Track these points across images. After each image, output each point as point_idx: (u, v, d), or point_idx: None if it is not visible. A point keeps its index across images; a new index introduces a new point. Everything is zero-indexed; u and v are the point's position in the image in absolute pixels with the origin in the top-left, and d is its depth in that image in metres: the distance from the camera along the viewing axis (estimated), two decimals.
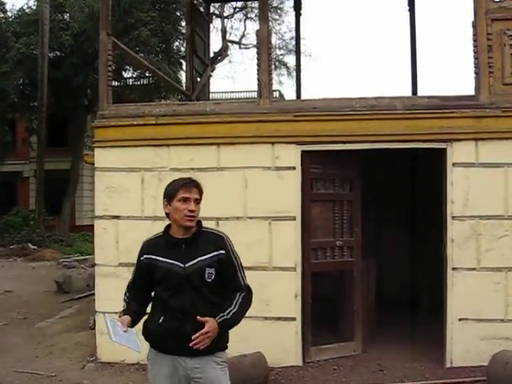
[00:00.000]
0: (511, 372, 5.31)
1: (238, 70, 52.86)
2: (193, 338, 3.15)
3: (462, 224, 6.51)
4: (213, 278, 3.32)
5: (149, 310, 3.50)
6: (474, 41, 6.54)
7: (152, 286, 3.44)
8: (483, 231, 6.48)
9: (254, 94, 32.03)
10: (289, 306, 6.49)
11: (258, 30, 6.93)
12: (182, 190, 3.33)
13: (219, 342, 3.36)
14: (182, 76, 25.89)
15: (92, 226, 22.85)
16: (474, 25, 6.55)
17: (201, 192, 3.41)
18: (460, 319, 6.42)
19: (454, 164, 6.54)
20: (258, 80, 6.84)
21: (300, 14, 10.93)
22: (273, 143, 6.75)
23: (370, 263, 7.71)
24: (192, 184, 3.38)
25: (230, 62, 29.06)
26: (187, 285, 3.29)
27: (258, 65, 6.81)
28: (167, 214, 3.42)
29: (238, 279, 3.43)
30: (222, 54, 25.66)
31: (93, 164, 9.62)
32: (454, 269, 6.47)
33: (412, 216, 9.14)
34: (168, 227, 3.45)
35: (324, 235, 6.91)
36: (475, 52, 6.53)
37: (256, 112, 6.81)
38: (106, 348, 6.93)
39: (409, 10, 10.30)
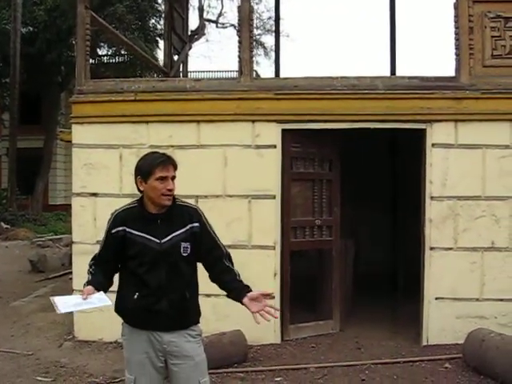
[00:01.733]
0: (486, 349, 5.39)
1: (214, 50, 52.31)
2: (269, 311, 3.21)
3: (440, 204, 6.57)
4: (188, 251, 3.31)
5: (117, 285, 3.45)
6: (456, 22, 6.55)
7: (120, 259, 3.37)
8: (461, 211, 6.55)
9: (231, 74, 32.01)
10: (268, 284, 6.49)
11: (239, 7, 6.85)
12: (159, 168, 3.25)
13: (192, 316, 3.40)
14: (159, 54, 25.62)
15: (65, 205, 22.64)
16: (456, 6, 6.55)
17: (176, 168, 3.36)
18: (436, 298, 6.50)
19: (433, 145, 6.58)
20: (239, 57, 6.77)
21: None
22: (253, 121, 6.71)
23: (349, 243, 7.75)
24: (168, 161, 3.32)
25: (207, 40, 28.86)
26: (163, 260, 3.26)
27: (240, 42, 6.74)
28: (141, 191, 3.33)
29: (219, 247, 3.44)
30: (199, 32, 25.41)
31: (69, 142, 9.46)
32: (431, 248, 6.54)
33: (391, 196, 9.21)
34: (141, 200, 3.37)
35: (303, 214, 6.92)
36: (456, 34, 6.55)
37: (237, 90, 6.75)
38: (84, 326, 6.90)
39: None
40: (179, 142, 6.79)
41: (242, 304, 3.28)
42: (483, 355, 5.41)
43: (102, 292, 3.25)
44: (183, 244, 3.29)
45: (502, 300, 6.45)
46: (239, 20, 6.79)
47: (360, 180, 8.76)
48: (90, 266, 3.44)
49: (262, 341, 6.53)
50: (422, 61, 28.46)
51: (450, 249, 6.54)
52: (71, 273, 11.03)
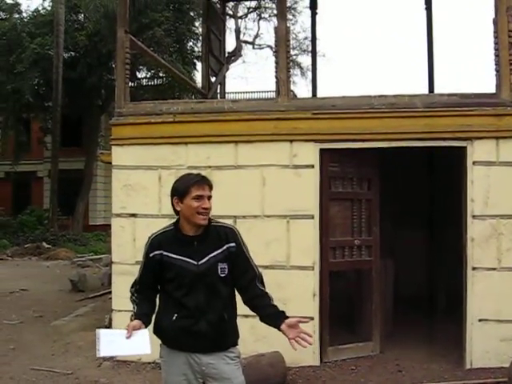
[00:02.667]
0: None
1: (251, 71, 52.82)
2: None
3: (483, 223, 6.43)
4: (226, 272, 3.32)
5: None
6: (495, 38, 6.46)
7: (160, 283, 3.40)
8: (504, 230, 6.40)
9: (268, 95, 32.19)
10: (307, 305, 6.45)
11: (276, 28, 6.89)
12: (195, 187, 3.30)
13: (231, 337, 3.39)
14: (196, 76, 25.98)
15: (105, 225, 22.97)
16: (495, 22, 6.47)
17: (211, 188, 3.39)
18: (480, 320, 6.34)
19: (474, 162, 6.46)
20: (276, 78, 6.79)
21: (316, 13, 10.91)
22: (291, 141, 6.71)
23: (388, 263, 7.65)
24: (204, 181, 3.35)
25: (243, 62, 29.10)
26: (201, 282, 3.27)
27: (276, 62, 6.77)
28: (177, 212, 3.37)
29: (252, 269, 3.42)
30: (236, 54, 25.67)
31: (109, 163, 9.62)
32: (474, 268, 6.40)
33: (430, 215, 9.07)
34: (177, 223, 3.40)
35: (342, 234, 6.86)
36: (496, 49, 6.46)
37: (274, 110, 6.77)
38: None
39: (426, 9, 10.24)
40: (217, 162, 6.83)
41: (280, 330, 3.25)
42: None
43: (146, 331, 3.28)
44: (220, 265, 3.30)
45: None
46: (276, 41, 6.83)
47: (399, 199, 8.65)
48: (133, 294, 3.46)
49: (301, 363, 6.45)
50: (462, 78, 28.25)
51: (494, 269, 6.39)
52: (111, 292, 11.23)
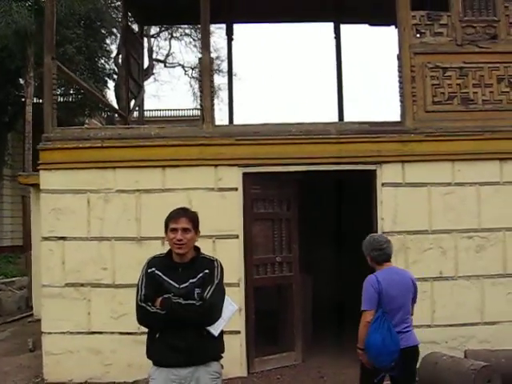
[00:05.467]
0: (440, 371, 5.89)
1: (163, 89, 52.85)
2: None
3: (392, 239, 6.99)
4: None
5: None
6: (399, 72, 7.19)
7: None
8: (410, 245, 7.09)
9: (180, 113, 32.44)
10: (233, 319, 6.77)
11: (200, 58, 7.31)
12: (171, 221, 3.73)
13: (211, 352, 3.72)
14: (107, 94, 25.88)
15: (14, 246, 22.18)
16: (399, 57, 7.21)
17: (191, 220, 3.76)
18: None
19: (383, 184, 7.13)
20: (201, 105, 7.23)
21: (232, 39, 11.36)
22: (216, 165, 7.12)
23: (307, 278, 8.17)
24: (179, 214, 3.77)
25: (155, 80, 29.19)
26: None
27: (201, 91, 7.20)
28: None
29: (205, 291, 3.71)
30: (149, 72, 25.80)
31: (28, 185, 9.66)
32: None
33: (344, 232, 9.68)
34: (169, 251, 3.79)
35: (264, 252, 7.32)
36: (400, 82, 7.19)
37: (199, 136, 7.18)
38: (53, 369, 7.03)
39: (335, 38, 10.96)
40: (145, 186, 7.13)
41: None
42: (437, 376, 5.90)
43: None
44: (196, 290, 3.66)
45: (451, 325, 6.98)
46: (200, 71, 7.27)
47: (315, 218, 9.22)
48: (147, 305, 3.66)
49: (230, 374, 6.73)
50: (371, 107, 29.70)
51: None
52: (29, 316, 11.10)
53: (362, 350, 4.79)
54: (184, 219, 3.74)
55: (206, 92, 7.15)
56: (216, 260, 3.88)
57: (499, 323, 7.06)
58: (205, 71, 7.19)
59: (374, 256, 4.98)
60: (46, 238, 7.25)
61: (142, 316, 3.69)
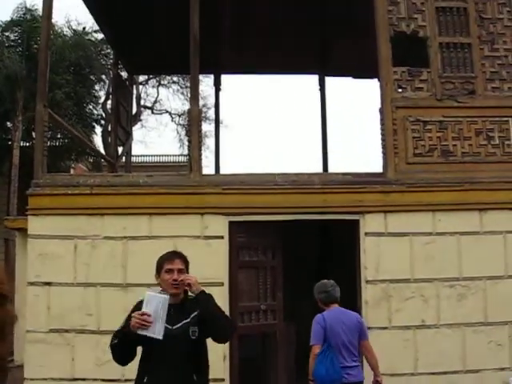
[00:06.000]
0: None
1: (150, 135, 53.26)
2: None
3: (375, 287, 7.20)
4: (197, 334, 3.77)
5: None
6: (382, 125, 7.44)
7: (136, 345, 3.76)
8: (393, 293, 7.19)
9: (167, 159, 32.65)
10: (218, 367, 6.82)
11: (189, 109, 7.52)
12: (166, 262, 3.88)
13: None
14: (95, 139, 26.10)
15: None
16: (381, 111, 7.47)
17: (185, 262, 3.94)
18: None
19: (366, 233, 7.28)
20: (189, 155, 7.40)
21: (219, 90, 11.66)
22: (202, 214, 7.25)
23: (290, 325, 8.23)
24: (174, 256, 3.94)
25: (142, 126, 29.48)
26: (173, 345, 3.68)
27: (189, 141, 7.38)
28: (159, 285, 3.89)
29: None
30: (136, 119, 26.11)
31: (14, 229, 9.71)
32: (368, 328, 7.06)
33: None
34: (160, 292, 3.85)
35: (249, 300, 7.40)
36: (382, 135, 7.43)
37: (186, 185, 7.32)
38: None
39: (320, 89, 11.30)
40: (132, 233, 7.22)
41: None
42: None
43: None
44: (192, 328, 3.76)
45: (433, 373, 7.05)
46: (189, 121, 7.44)
47: (300, 265, 9.33)
48: (113, 339, 3.76)
49: None
50: (354, 158, 30.16)
51: (385, 328, 7.13)
52: (10, 361, 10.94)
53: (311, 381, 5.38)
54: (179, 260, 3.91)
55: (195, 142, 7.33)
56: None
57: (481, 371, 7.12)
58: (193, 122, 7.39)
59: (321, 298, 5.66)
60: (31, 283, 7.27)
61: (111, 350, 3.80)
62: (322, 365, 5.23)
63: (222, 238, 7.23)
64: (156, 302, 3.68)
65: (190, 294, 3.91)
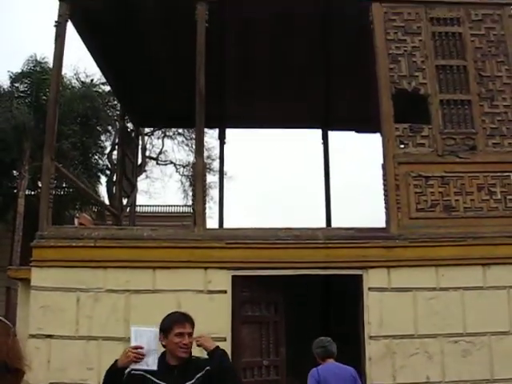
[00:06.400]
0: None
1: (154, 185, 53.51)
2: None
3: (378, 343, 7.14)
4: None
5: None
6: (384, 180, 7.52)
7: None
8: (397, 349, 7.13)
9: (170, 209, 32.76)
10: None
11: (193, 164, 7.62)
12: (176, 325, 3.85)
13: None
14: (99, 189, 26.27)
15: None
16: (384, 167, 7.56)
17: (193, 325, 3.93)
18: None
19: (369, 289, 7.27)
20: (193, 209, 7.46)
21: (224, 143, 11.82)
22: (205, 268, 7.26)
23: (294, 381, 8.11)
24: (185, 319, 3.92)
25: (146, 177, 29.68)
26: None
27: (193, 195, 7.46)
28: (164, 345, 3.85)
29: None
30: (141, 169, 26.35)
31: (16, 279, 9.69)
32: None
33: (330, 335, 9.70)
34: (164, 353, 3.86)
35: (252, 355, 7.34)
36: (385, 190, 7.49)
37: (190, 238, 7.35)
38: None
39: (322, 143, 11.45)
40: (135, 286, 7.22)
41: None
42: None
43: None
44: None
45: None
46: (193, 175, 7.55)
47: (304, 320, 9.26)
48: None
49: None
50: (358, 211, 30.25)
51: None
52: None
53: None
54: (188, 324, 3.91)
55: (199, 197, 7.41)
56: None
57: None
58: (198, 176, 7.48)
59: (318, 353, 6.11)
60: (33, 336, 7.23)
61: None
62: None
63: (225, 292, 7.22)
64: (147, 336, 3.77)
65: (193, 355, 3.92)
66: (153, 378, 3.74)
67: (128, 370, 3.77)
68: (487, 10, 8.19)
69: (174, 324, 3.87)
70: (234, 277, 7.25)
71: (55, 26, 7.98)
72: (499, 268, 7.42)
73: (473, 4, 8.19)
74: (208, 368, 3.85)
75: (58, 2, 8.06)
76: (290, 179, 54.77)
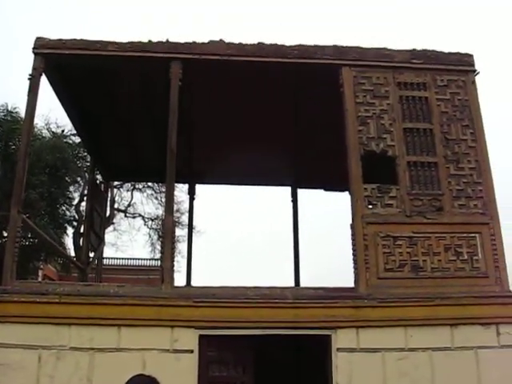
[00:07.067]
0: None
1: (121, 238, 53.07)
2: None
3: None
4: None
5: None
6: (353, 240, 7.57)
7: None
8: None
9: (138, 262, 32.46)
10: None
11: (163, 221, 7.58)
12: None
13: None
14: (66, 240, 25.88)
15: None
16: (353, 226, 7.62)
17: None
18: None
19: (338, 349, 7.20)
20: (161, 266, 7.38)
21: (194, 199, 11.82)
22: (172, 326, 7.12)
23: None
24: None
25: (114, 229, 29.39)
26: None
27: (162, 252, 7.40)
28: None
29: None
30: (109, 221, 26.11)
31: None
32: None
33: None
34: None
35: None
36: (354, 250, 7.54)
37: (157, 296, 7.23)
38: None
39: (292, 201, 11.53)
40: (99, 344, 7.03)
41: None
42: None
43: None
44: None
45: None
46: (163, 233, 7.49)
47: (274, 381, 9.12)
48: None
49: None
50: (326, 271, 30.30)
51: None
52: None
53: None
54: None
55: (167, 254, 7.35)
56: None
57: None
58: (167, 233, 7.44)
59: None
60: None
61: None
62: None
63: (192, 351, 7.08)
64: None
65: None
66: None
67: None
68: (452, 76, 8.48)
69: None
70: (201, 336, 7.13)
71: (29, 78, 7.99)
72: (466, 328, 7.45)
73: (438, 70, 8.47)
74: None
75: (32, 56, 8.10)
76: (260, 234, 54.94)
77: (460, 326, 7.46)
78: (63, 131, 25.11)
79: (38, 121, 23.66)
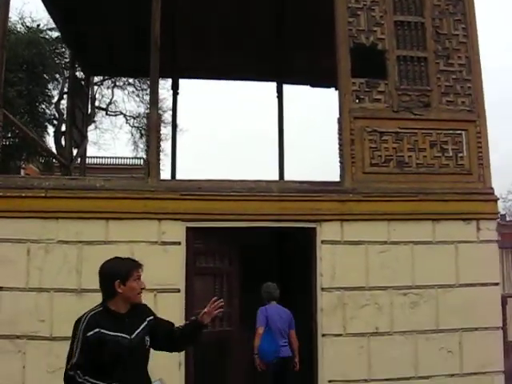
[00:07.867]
0: None
1: (103, 137, 52.42)
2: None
3: (330, 295, 7.28)
4: (149, 343, 3.79)
5: None
6: (340, 135, 7.53)
7: (95, 365, 3.59)
8: (348, 301, 7.29)
9: (120, 161, 32.31)
10: (173, 374, 6.81)
11: (148, 114, 7.46)
12: (135, 270, 3.81)
13: None
14: (47, 139, 25.53)
15: None
16: (339, 121, 7.56)
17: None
18: (329, 381, 7.11)
19: (322, 241, 7.35)
20: (147, 160, 7.32)
21: (177, 94, 11.60)
22: (160, 219, 7.18)
23: (247, 332, 8.21)
24: (138, 263, 3.92)
25: (96, 128, 28.90)
26: (133, 355, 3.66)
27: (148, 146, 7.34)
28: (116, 293, 3.74)
29: (169, 322, 4.04)
30: (90, 120, 25.67)
31: None
32: (323, 335, 7.19)
33: (284, 288, 9.84)
34: (105, 303, 3.77)
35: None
36: (340, 144, 7.52)
37: (144, 189, 7.24)
38: None
39: (277, 97, 11.37)
40: (88, 237, 7.09)
41: (201, 322, 4.05)
42: None
43: None
44: (146, 337, 3.76)
45: (387, 379, 7.16)
46: (148, 126, 7.39)
47: (258, 272, 9.34)
48: (77, 374, 3.55)
49: None
50: (312, 165, 30.48)
51: (340, 335, 7.22)
52: None
53: (256, 355, 7.40)
54: (141, 268, 3.90)
55: (153, 148, 7.28)
56: (146, 304, 4.05)
57: (432, 377, 7.28)
58: (152, 127, 7.33)
59: (264, 296, 7.73)
60: None
61: None
62: (265, 342, 7.38)
63: (179, 243, 7.18)
64: None
65: None
66: (106, 332, 3.62)
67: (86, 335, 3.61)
68: None
69: (133, 269, 3.83)
70: (188, 228, 7.20)
71: None
72: (448, 223, 7.61)
73: None
74: (151, 318, 3.92)
75: None
76: (244, 131, 54.72)
77: (442, 221, 7.62)
78: (39, 25, 24.12)
79: (12, 15, 22.71)
